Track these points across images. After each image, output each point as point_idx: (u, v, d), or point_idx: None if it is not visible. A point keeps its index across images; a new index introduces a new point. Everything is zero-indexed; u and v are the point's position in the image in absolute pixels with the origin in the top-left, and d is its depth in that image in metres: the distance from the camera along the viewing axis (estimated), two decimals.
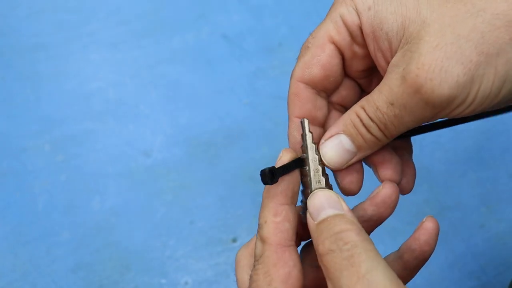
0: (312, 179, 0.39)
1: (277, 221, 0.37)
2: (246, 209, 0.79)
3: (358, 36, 0.39)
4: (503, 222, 0.77)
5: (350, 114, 0.39)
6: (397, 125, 0.36)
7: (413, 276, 0.41)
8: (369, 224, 0.41)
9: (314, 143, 0.40)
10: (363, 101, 0.38)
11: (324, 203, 0.36)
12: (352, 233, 0.33)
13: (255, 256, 0.38)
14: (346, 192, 0.42)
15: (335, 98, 0.44)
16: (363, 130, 0.38)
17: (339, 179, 0.42)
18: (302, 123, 0.40)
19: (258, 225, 0.38)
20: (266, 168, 0.36)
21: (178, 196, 0.80)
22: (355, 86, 0.44)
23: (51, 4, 0.98)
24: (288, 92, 0.42)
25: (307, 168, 0.39)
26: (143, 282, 0.73)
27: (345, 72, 0.42)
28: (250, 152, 0.83)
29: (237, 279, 0.41)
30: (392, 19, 0.36)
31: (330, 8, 0.41)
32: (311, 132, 0.40)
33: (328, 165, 0.40)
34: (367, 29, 0.38)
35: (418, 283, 0.72)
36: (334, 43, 0.40)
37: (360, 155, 0.40)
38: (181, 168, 0.82)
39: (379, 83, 0.38)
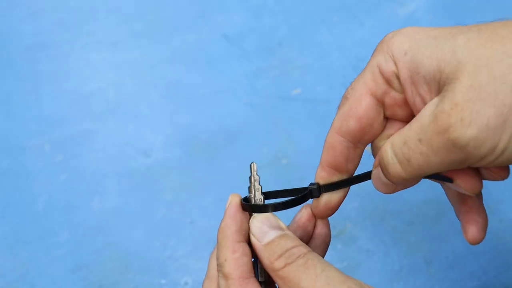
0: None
1: (236, 257, 0.41)
2: None
3: (395, 83, 0.39)
4: (503, 222, 0.77)
5: (383, 146, 0.39)
6: (421, 163, 0.36)
7: None
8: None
9: (260, 185, 0.44)
10: (395, 134, 0.38)
11: (266, 226, 0.41)
12: (301, 247, 0.39)
13: None
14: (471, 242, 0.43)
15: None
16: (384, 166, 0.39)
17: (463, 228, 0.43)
18: (250, 166, 0.44)
19: (218, 264, 0.41)
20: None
21: (178, 196, 0.80)
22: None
23: (51, 4, 0.98)
24: (325, 140, 0.43)
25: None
26: (143, 282, 0.73)
27: (390, 117, 0.42)
28: (250, 152, 0.83)
29: None
30: (428, 63, 0.36)
31: (371, 57, 0.41)
32: (258, 175, 0.44)
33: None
34: (404, 74, 0.38)
35: (418, 283, 0.72)
36: (372, 94, 0.40)
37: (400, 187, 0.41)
38: (181, 168, 0.82)
39: None
